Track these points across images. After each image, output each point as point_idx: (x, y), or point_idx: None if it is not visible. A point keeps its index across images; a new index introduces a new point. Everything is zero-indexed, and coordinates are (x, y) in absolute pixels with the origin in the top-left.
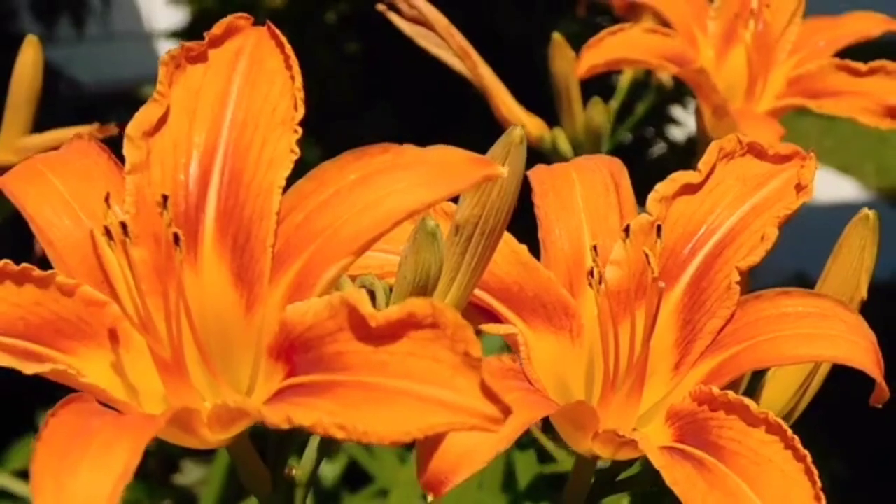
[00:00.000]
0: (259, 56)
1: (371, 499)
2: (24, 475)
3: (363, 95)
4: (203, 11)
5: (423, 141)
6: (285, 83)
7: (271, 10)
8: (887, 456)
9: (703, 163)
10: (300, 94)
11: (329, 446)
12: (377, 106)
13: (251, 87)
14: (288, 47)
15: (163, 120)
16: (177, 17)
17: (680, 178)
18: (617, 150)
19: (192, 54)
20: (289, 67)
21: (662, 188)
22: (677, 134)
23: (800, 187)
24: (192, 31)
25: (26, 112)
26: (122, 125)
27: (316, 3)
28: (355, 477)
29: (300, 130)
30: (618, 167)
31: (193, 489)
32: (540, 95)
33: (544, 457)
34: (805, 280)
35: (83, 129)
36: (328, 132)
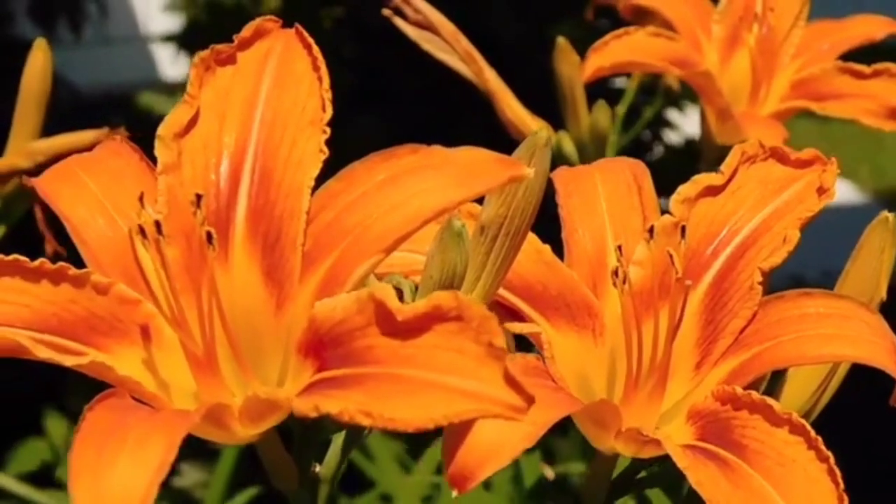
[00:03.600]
0: (288, 58)
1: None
2: (26, 479)
3: (357, 100)
4: (200, 15)
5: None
6: (313, 84)
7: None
8: (888, 457)
9: (726, 165)
10: (328, 95)
11: (353, 444)
12: (371, 110)
13: (280, 88)
14: (315, 49)
15: (193, 121)
16: (173, 22)
17: (702, 180)
18: (615, 154)
19: (221, 56)
20: (316, 69)
21: (685, 190)
22: (674, 137)
23: (822, 190)
24: (188, 36)
25: (36, 116)
26: (119, 128)
27: (311, 8)
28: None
29: (328, 131)
30: (641, 169)
31: (192, 492)
32: (538, 99)
33: (548, 457)
34: (800, 282)
35: (101, 132)
36: None
